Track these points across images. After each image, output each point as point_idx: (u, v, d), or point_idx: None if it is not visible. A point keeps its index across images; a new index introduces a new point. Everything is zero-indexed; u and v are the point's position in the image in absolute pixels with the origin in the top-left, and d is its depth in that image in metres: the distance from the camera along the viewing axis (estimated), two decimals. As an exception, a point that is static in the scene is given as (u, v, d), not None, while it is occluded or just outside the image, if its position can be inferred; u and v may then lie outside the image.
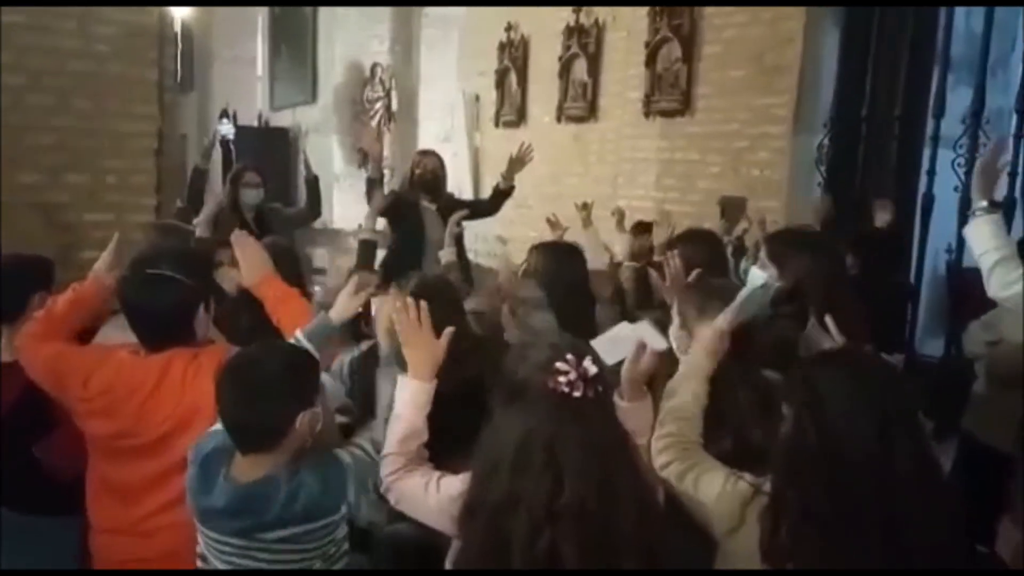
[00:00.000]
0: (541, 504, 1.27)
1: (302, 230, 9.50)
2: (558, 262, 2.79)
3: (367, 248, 3.25)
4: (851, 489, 1.37)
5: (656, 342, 1.78)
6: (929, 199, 4.32)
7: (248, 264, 2.26)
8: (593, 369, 1.40)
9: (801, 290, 2.66)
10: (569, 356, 1.41)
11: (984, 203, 2.21)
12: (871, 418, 1.38)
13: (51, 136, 3.86)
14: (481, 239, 6.69)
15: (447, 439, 2.28)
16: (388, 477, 1.68)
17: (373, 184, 4.38)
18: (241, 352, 1.76)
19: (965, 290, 4.81)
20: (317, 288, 6.34)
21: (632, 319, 2.51)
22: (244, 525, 1.68)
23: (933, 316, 4.75)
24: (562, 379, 1.38)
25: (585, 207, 4.15)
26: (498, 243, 6.92)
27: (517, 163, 4.54)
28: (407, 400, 1.74)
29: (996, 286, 2.14)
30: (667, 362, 2.09)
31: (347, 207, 9.31)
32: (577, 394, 1.38)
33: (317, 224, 9.91)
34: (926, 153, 4.41)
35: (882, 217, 3.98)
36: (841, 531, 1.36)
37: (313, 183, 4.82)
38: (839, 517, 1.37)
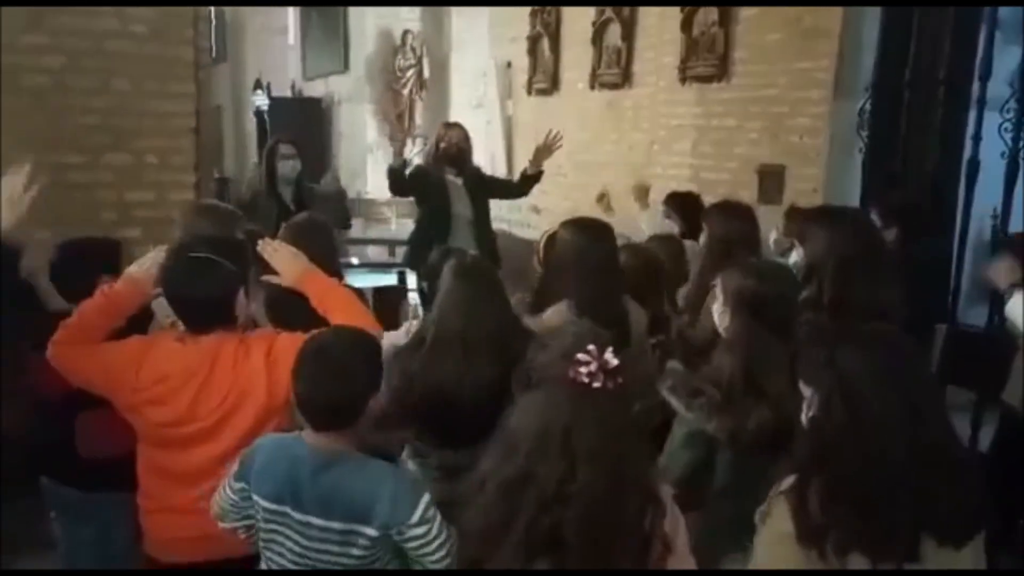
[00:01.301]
0: (552, 486, 1.34)
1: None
2: (585, 239, 2.71)
3: None
4: (882, 466, 1.39)
5: None
6: (974, 165, 4.18)
7: (283, 267, 2.29)
8: (614, 361, 1.41)
9: (817, 269, 2.62)
10: (590, 347, 1.42)
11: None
12: (898, 395, 1.40)
13: (92, 117, 3.92)
14: (514, 209, 6.68)
15: (492, 416, 2.33)
16: None
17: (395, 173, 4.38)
18: (323, 333, 1.86)
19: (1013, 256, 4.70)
20: (354, 259, 6.43)
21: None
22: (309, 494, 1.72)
23: (976, 284, 4.65)
24: (583, 369, 1.40)
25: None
26: (532, 213, 6.90)
27: (544, 151, 4.50)
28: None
29: None
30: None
31: (381, 177, 9.33)
32: (597, 385, 1.39)
33: (352, 194, 10.03)
34: (971, 117, 4.27)
35: None
36: (873, 508, 1.38)
37: (340, 196, 4.87)
38: (870, 495, 1.39)
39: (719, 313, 2.18)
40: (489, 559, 1.39)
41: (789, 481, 1.48)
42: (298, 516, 1.75)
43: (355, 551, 1.73)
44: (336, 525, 1.72)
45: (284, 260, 2.30)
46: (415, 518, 1.71)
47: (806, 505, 1.41)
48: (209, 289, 2.01)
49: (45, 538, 2.75)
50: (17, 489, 2.85)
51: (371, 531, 1.71)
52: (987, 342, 3.96)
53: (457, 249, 3.06)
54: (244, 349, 2.03)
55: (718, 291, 2.19)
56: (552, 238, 3.23)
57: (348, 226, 5.15)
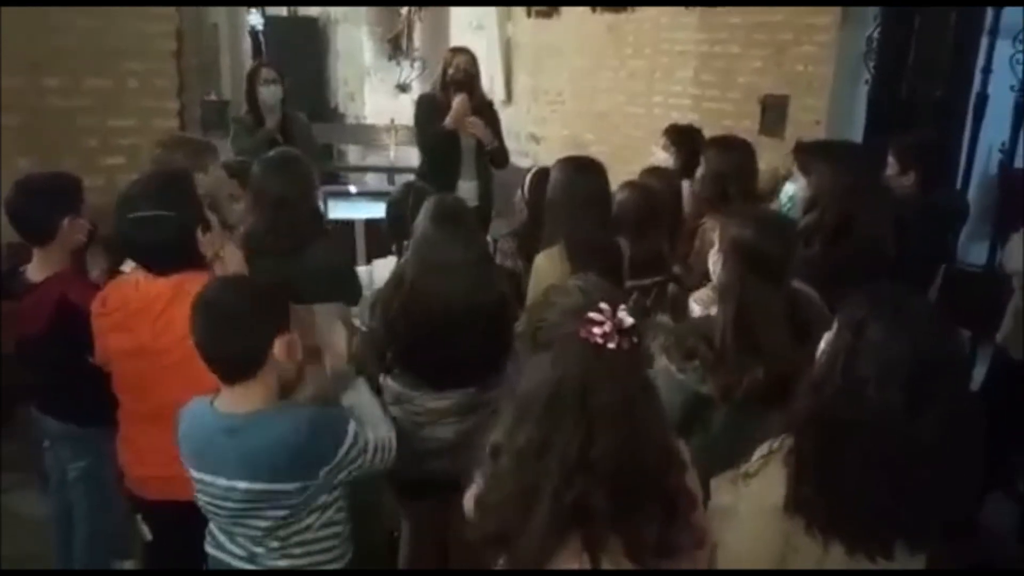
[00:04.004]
0: (572, 455, 1.28)
1: (335, 126, 9.40)
2: (576, 177, 2.63)
3: None
4: (869, 451, 1.35)
5: None
6: (982, 98, 4.05)
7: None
8: (629, 320, 1.32)
9: (820, 200, 2.60)
10: (603, 305, 1.33)
11: None
12: (903, 393, 1.34)
13: (73, 38, 3.78)
14: (512, 137, 6.52)
15: (475, 357, 2.31)
16: None
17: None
18: (207, 285, 1.80)
19: (1015, 192, 4.59)
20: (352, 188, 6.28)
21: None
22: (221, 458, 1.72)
23: (979, 221, 4.56)
24: (596, 330, 1.30)
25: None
26: (530, 142, 6.76)
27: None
28: None
29: None
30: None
31: (378, 102, 9.14)
32: (611, 346, 1.30)
33: (350, 119, 9.82)
34: (983, 48, 4.10)
35: None
36: (856, 496, 1.35)
37: None
38: (854, 479, 1.35)
39: (713, 260, 2.11)
40: (515, 534, 1.32)
41: (782, 441, 1.43)
42: (222, 483, 1.74)
43: (274, 507, 1.74)
44: (259, 486, 1.71)
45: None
46: (339, 455, 1.75)
47: (800, 471, 1.37)
48: (159, 243, 2.00)
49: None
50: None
51: (289, 486, 1.71)
52: (985, 282, 3.91)
53: (420, 186, 2.98)
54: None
55: (715, 236, 2.12)
56: (538, 176, 3.13)
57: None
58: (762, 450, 1.49)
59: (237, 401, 1.75)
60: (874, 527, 1.37)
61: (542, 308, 1.46)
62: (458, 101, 4.10)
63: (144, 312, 2.01)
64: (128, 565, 2.71)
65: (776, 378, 1.85)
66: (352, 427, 1.79)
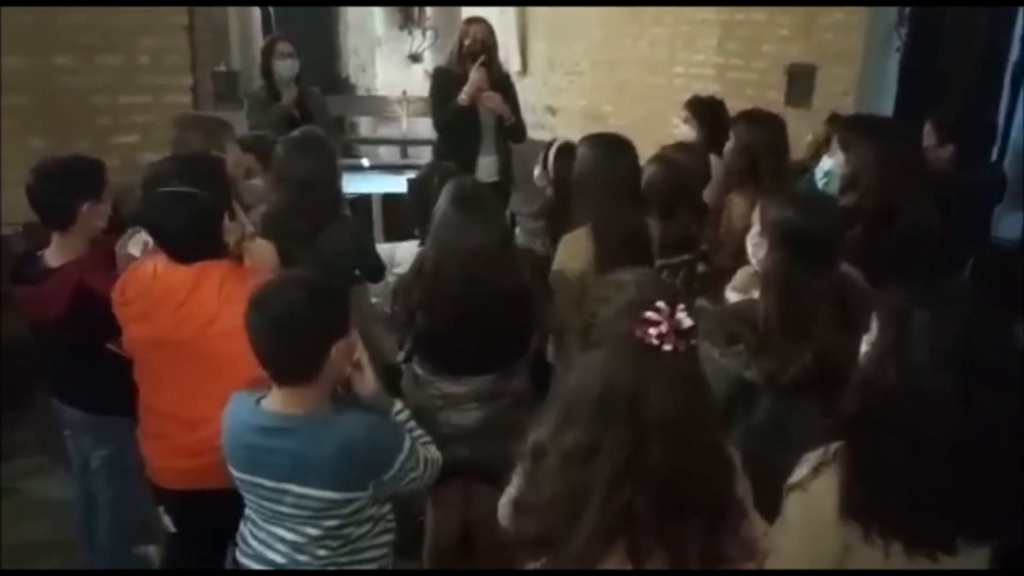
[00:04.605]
0: (621, 460, 1.22)
1: (346, 98, 9.28)
2: (605, 156, 2.54)
3: None
4: (928, 444, 1.27)
5: None
6: (1020, 68, 3.91)
7: None
8: (688, 321, 1.25)
9: (860, 179, 2.50)
10: (660, 304, 1.26)
11: None
12: (957, 379, 1.26)
13: (82, 16, 3.69)
14: (528, 109, 6.39)
15: (496, 344, 2.27)
16: None
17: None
18: (266, 283, 1.71)
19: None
20: (365, 161, 6.22)
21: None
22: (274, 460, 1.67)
23: (1014, 193, 4.44)
24: (652, 331, 1.24)
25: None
26: (547, 114, 6.64)
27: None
28: None
29: None
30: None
31: (390, 72, 8.99)
32: (668, 348, 1.24)
33: (361, 91, 9.69)
34: (1021, 13, 3.95)
35: None
36: (918, 486, 1.28)
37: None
38: (909, 475, 1.28)
39: (754, 244, 2.02)
40: (559, 538, 1.28)
41: (835, 448, 1.36)
42: (269, 484, 1.68)
43: (325, 514, 1.68)
44: (313, 492, 1.66)
45: None
46: (394, 469, 1.70)
47: (852, 476, 1.31)
48: (185, 222, 1.91)
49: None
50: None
51: (338, 496, 1.66)
52: (1020, 257, 3.80)
53: (447, 166, 2.91)
54: (238, 277, 1.93)
55: (755, 218, 2.02)
56: (562, 152, 3.04)
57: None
58: (810, 460, 1.42)
59: (288, 402, 1.68)
60: (935, 523, 1.31)
61: (595, 303, 1.39)
62: (474, 73, 3.98)
63: (164, 301, 1.95)
64: (152, 551, 2.70)
65: (824, 364, 1.79)
66: (408, 440, 1.74)
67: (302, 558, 1.73)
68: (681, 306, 1.26)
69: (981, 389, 1.26)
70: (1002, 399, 1.27)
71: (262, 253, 2.17)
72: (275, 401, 1.69)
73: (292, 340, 1.61)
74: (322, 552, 1.72)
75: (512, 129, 4.22)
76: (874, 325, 1.40)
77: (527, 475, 1.37)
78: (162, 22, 3.83)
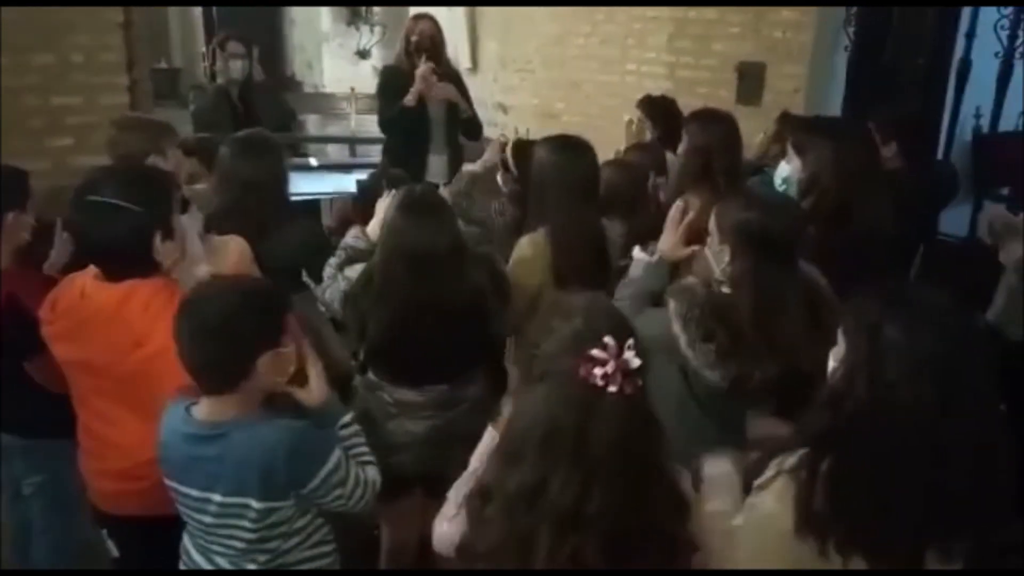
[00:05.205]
0: (567, 506, 1.16)
1: (292, 95, 9.09)
2: (564, 159, 2.47)
3: None
4: (897, 462, 1.23)
5: None
6: (966, 65, 3.98)
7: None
8: (636, 362, 1.18)
9: (820, 182, 2.50)
10: (607, 340, 1.18)
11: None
12: (934, 388, 1.22)
13: (13, 11, 3.49)
14: (480, 107, 6.32)
15: (450, 352, 2.21)
16: None
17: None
18: (197, 287, 1.64)
19: (993, 158, 4.56)
20: (313, 160, 6.09)
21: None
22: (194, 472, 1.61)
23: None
24: (597, 371, 1.17)
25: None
26: (498, 111, 6.57)
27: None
28: None
29: None
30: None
31: (337, 69, 8.83)
32: (613, 389, 1.17)
33: (308, 88, 9.50)
34: (966, 12, 4.02)
35: None
36: (878, 508, 1.24)
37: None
38: (878, 491, 1.24)
39: (715, 253, 1.95)
40: None
41: (796, 457, 1.31)
42: (195, 493, 1.62)
43: (247, 524, 1.61)
44: (232, 500, 1.59)
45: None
46: (316, 482, 1.61)
47: (812, 490, 1.25)
48: (114, 236, 1.79)
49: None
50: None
51: (258, 504, 1.58)
52: (965, 256, 3.87)
53: (395, 173, 2.85)
54: (166, 297, 1.79)
55: (711, 228, 1.96)
56: (522, 148, 2.99)
57: (289, 127, 4.75)
58: (774, 466, 1.38)
59: (214, 410, 1.61)
60: (903, 538, 1.27)
61: (538, 333, 1.32)
62: (422, 69, 3.90)
63: (90, 321, 1.83)
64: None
65: (791, 377, 1.75)
66: (337, 455, 1.65)
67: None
68: (630, 342, 1.18)
69: (958, 397, 1.23)
70: (978, 404, 1.24)
71: (232, 251, 2.08)
72: (203, 409, 1.62)
73: (213, 348, 1.54)
74: (252, 567, 1.65)
75: (467, 124, 4.15)
76: (841, 340, 1.35)
77: (471, 519, 1.31)
78: (96, 19, 3.63)
